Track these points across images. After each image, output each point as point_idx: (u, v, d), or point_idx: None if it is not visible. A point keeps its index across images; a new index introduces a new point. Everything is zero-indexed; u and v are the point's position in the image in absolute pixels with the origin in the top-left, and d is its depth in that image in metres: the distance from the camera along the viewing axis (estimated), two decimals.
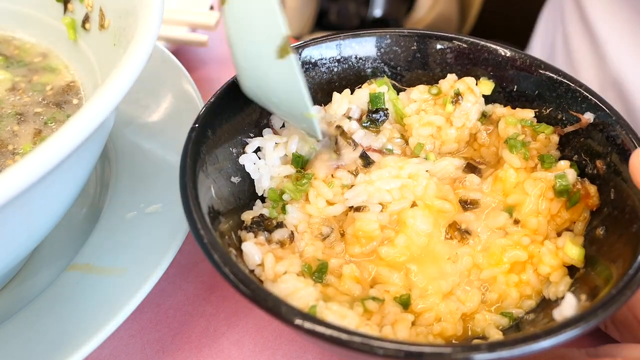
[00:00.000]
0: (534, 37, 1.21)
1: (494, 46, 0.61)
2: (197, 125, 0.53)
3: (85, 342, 0.49)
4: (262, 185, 0.58)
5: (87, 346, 0.49)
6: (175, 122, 0.69)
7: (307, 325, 0.40)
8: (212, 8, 0.95)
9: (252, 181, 0.58)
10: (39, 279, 0.60)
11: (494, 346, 0.39)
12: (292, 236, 0.54)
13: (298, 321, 0.41)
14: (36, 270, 0.61)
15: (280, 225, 0.55)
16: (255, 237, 0.53)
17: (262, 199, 0.58)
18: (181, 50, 0.92)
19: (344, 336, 0.40)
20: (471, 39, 0.62)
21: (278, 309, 0.41)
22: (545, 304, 0.51)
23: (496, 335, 0.48)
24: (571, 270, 0.52)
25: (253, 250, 0.51)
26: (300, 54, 0.61)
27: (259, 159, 0.58)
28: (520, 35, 1.51)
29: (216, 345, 0.58)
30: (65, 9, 0.66)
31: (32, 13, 0.69)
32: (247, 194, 0.58)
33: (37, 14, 0.68)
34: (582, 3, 0.98)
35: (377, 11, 1.66)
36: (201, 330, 0.59)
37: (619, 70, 0.92)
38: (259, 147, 0.59)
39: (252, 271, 0.51)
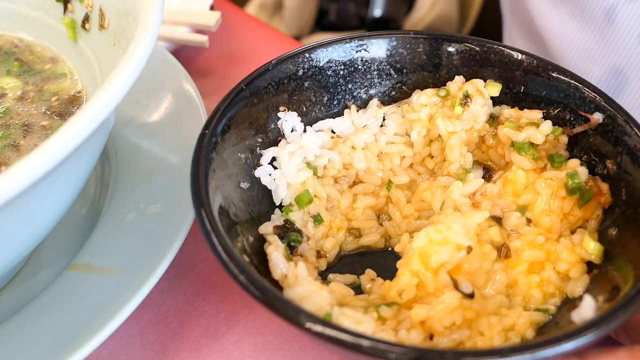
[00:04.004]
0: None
1: (501, 47, 0.60)
2: (206, 131, 0.52)
3: (85, 342, 0.49)
4: (280, 195, 0.58)
5: (87, 346, 0.49)
6: (175, 122, 0.68)
7: (327, 331, 0.41)
8: (212, 8, 0.94)
9: (262, 187, 0.58)
10: (39, 279, 0.60)
11: (515, 350, 0.39)
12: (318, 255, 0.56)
13: (318, 328, 0.41)
14: (36, 270, 0.61)
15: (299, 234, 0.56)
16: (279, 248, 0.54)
17: (280, 207, 0.58)
18: (181, 50, 0.92)
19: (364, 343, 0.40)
20: (478, 40, 0.61)
21: (298, 318, 0.42)
22: (568, 302, 0.51)
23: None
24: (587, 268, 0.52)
25: (280, 260, 0.51)
26: (306, 58, 0.60)
27: (274, 168, 0.58)
28: None
29: (216, 345, 0.58)
30: (65, 8, 0.66)
31: (32, 13, 0.69)
32: (257, 199, 0.58)
33: (37, 14, 0.68)
34: None
35: (377, 11, 1.66)
36: (201, 330, 0.59)
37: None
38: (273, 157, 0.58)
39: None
